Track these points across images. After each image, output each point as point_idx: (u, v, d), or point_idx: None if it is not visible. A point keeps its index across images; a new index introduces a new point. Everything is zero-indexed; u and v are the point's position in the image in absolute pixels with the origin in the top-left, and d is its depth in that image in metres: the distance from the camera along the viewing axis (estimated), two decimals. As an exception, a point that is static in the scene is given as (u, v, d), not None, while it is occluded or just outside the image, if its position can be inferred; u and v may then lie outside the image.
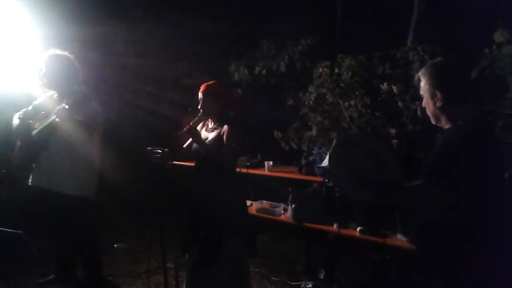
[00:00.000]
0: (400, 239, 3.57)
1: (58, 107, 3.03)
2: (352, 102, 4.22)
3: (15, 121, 3.41)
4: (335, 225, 3.82)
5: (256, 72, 5.34)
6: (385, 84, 4.00)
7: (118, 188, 5.08)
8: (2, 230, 2.52)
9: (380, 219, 3.81)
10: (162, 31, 6.08)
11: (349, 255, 4.19)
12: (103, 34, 5.95)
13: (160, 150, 5.05)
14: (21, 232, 2.50)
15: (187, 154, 3.13)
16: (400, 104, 3.88)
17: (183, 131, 2.84)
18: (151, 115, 6.16)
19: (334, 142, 2.14)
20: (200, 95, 2.97)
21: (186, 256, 2.99)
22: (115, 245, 4.73)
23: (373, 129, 4.19)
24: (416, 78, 2.01)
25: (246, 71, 5.32)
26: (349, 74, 4.25)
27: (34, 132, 3.24)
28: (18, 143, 3.35)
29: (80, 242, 3.52)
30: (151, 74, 6.28)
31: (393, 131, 4.11)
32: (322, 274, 3.95)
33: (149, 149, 5.17)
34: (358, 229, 3.75)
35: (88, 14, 5.74)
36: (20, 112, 3.46)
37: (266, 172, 4.55)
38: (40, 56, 3.48)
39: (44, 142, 3.25)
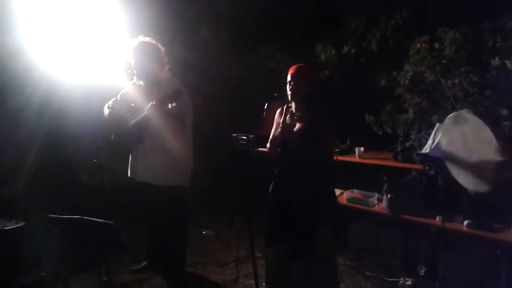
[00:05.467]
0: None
1: (150, 105, 2.96)
2: (457, 80, 3.76)
3: (106, 111, 3.43)
4: (438, 218, 3.44)
5: (344, 51, 4.98)
6: (496, 59, 3.50)
7: (203, 175, 5.08)
8: (93, 220, 2.53)
9: (491, 212, 3.37)
10: (244, 14, 5.94)
11: (454, 250, 3.77)
12: (188, 19, 5.93)
13: (245, 136, 4.99)
14: (112, 222, 2.48)
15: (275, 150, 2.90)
16: (516, 81, 3.38)
17: (276, 133, 2.66)
18: (236, 100, 6.09)
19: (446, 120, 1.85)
20: (289, 77, 2.75)
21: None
22: (204, 232, 4.73)
23: (482, 109, 3.72)
24: None
25: (333, 51, 4.98)
26: (453, 49, 3.78)
27: (130, 124, 3.21)
28: (112, 136, 3.35)
29: (173, 229, 3.52)
30: (235, 58, 6.17)
31: (504, 111, 3.62)
32: (422, 270, 3.61)
33: (234, 136, 5.15)
34: (465, 223, 3.35)
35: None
36: (110, 102, 3.49)
37: (357, 159, 4.22)
38: (126, 44, 3.47)
39: (139, 135, 3.25)
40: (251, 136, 4.83)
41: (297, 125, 2.69)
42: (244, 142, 4.91)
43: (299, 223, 2.60)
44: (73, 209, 3.36)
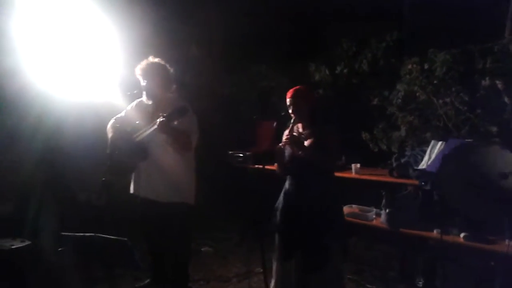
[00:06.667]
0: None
1: (159, 120, 2.99)
2: (448, 100, 3.96)
3: (110, 128, 3.46)
4: (435, 231, 3.59)
5: (337, 72, 5.15)
6: (487, 79, 3.72)
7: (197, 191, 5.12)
8: (107, 237, 2.55)
9: (485, 224, 3.54)
10: (237, 32, 6.06)
11: (449, 262, 3.92)
12: (179, 38, 6.01)
13: (242, 153, 5.08)
14: (126, 239, 2.51)
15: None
16: (506, 100, 3.59)
17: (284, 143, 2.75)
18: (228, 118, 6.16)
19: (451, 150, 1.98)
20: (289, 101, 2.88)
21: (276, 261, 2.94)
22: (202, 249, 4.75)
23: (472, 127, 3.92)
24: None
25: (327, 71, 5.14)
26: (444, 69, 3.99)
27: (136, 141, 3.24)
28: (116, 152, 3.36)
29: (176, 246, 3.52)
30: (227, 76, 6.28)
31: (494, 129, 3.82)
32: (420, 282, 3.73)
33: (231, 153, 5.23)
34: (462, 235, 3.50)
35: (163, 18, 5.82)
36: (113, 120, 3.52)
37: (353, 175, 4.35)
38: (120, 61, 3.51)
39: (144, 152, 3.27)
40: (247, 153, 4.92)
41: (307, 142, 2.81)
42: (241, 159, 4.99)
43: (315, 236, 2.69)
44: (72, 226, 3.37)
